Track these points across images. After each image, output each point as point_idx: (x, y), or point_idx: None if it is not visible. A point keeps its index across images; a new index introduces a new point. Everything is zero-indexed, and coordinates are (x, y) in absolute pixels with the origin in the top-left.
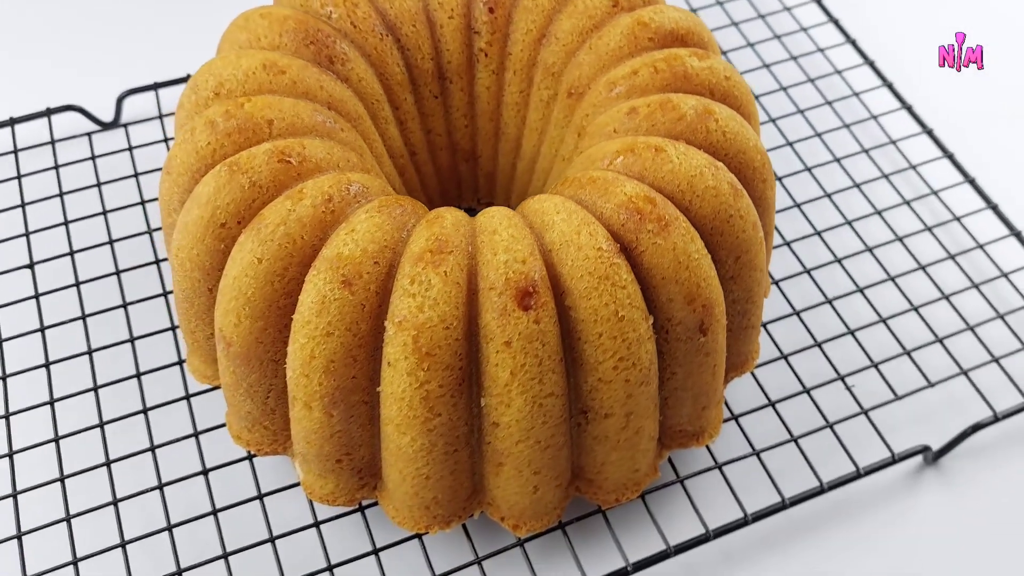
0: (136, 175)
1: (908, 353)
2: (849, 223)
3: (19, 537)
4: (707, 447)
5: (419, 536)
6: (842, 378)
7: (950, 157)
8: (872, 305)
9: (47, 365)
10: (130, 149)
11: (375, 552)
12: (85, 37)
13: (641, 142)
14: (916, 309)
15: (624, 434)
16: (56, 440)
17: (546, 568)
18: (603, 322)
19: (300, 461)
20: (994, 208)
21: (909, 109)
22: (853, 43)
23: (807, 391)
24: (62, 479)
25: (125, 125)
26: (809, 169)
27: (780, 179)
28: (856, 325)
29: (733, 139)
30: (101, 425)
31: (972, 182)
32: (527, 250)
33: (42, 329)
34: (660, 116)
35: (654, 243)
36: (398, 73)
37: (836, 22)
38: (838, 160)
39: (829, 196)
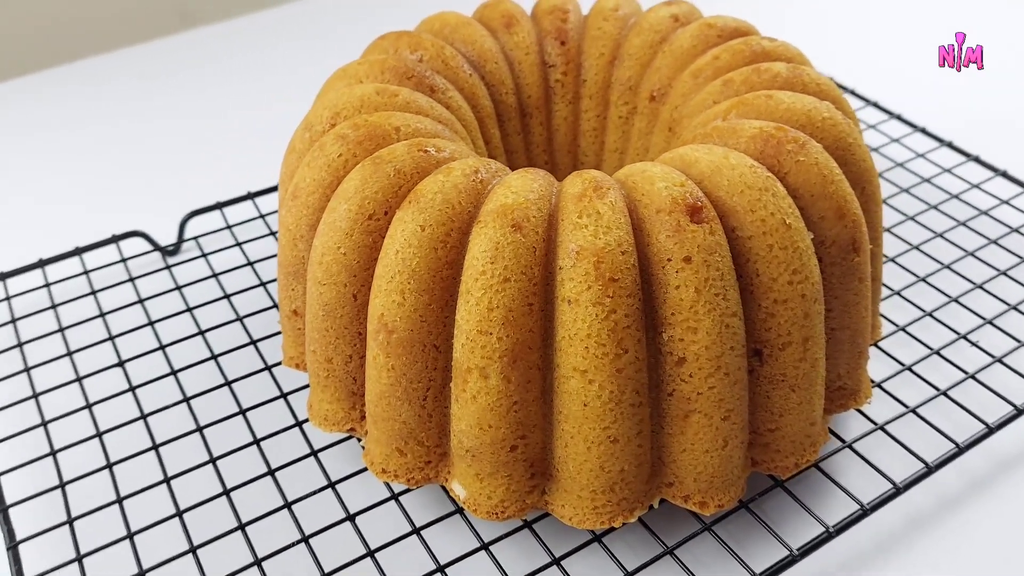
0: (215, 275)
1: (1014, 307)
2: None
3: None
4: (859, 410)
5: (596, 538)
6: (964, 336)
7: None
8: (963, 276)
9: (167, 481)
10: (204, 256)
11: (556, 562)
12: (144, 171)
13: (749, 96)
14: (1005, 273)
15: (802, 368)
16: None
17: (740, 549)
18: (772, 233)
19: (467, 465)
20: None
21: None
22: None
23: (936, 352)
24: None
25: (196, 238)
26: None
27: None
28: (955, 294)
29: (828, 89)
30: (227, 492)
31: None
32: (681, 178)
33: (156, 447)
34: (756, 78)
35: (797, 161)
36: (487, 106)
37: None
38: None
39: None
